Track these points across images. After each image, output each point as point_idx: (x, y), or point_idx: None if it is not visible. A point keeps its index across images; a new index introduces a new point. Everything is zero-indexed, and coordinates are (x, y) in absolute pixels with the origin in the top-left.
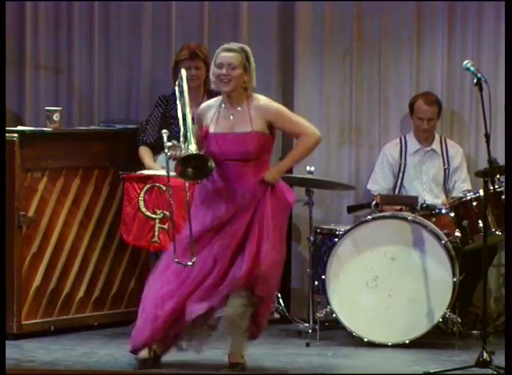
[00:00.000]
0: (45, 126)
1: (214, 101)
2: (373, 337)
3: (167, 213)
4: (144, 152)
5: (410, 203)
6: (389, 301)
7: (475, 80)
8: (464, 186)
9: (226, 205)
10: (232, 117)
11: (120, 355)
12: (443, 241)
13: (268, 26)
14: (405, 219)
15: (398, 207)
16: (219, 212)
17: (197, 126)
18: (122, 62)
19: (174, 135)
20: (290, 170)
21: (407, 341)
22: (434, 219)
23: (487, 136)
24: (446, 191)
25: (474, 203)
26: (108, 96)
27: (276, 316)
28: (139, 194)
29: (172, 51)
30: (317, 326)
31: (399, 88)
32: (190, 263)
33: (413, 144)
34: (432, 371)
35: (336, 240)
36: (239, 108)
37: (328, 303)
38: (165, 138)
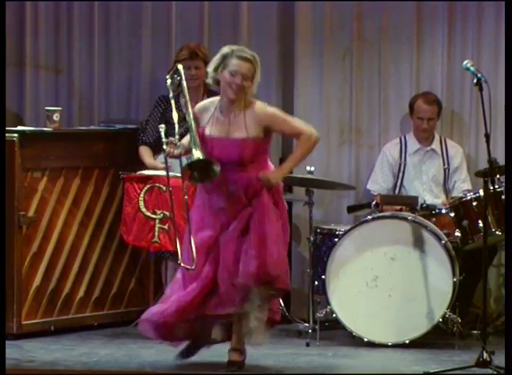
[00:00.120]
0: (45, 126)
1: (210, 102)
2: (373, 337)
3: (167, 213)
4: (144, 152)
5: (410, 203)
6: (389, 301)
7: (475, 80)
8: (463, 186)
9: (227, 205)
10: (228, 122)
11: (120, 355)
12: (443, 241)
13: (268, 26)
14: (405, 219)
15: (398, 207)
16: (222, 216)
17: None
18: (122, 62)
19: (173, 135)
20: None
21: (407, 341)
22: (434, 219)
23: (487, 136)
24: (446, 191)
25: (474, 203)
26: (108, 96)
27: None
28: (139, 195)
29: (172, 51)
30: (317, 326)
31: (399, 88)
32: (192, 267)
33: (413, 144)
34: (431, 371)
35: (336, 240)
36: (236, 114)
37: (328, 303)
38: (162, 134)
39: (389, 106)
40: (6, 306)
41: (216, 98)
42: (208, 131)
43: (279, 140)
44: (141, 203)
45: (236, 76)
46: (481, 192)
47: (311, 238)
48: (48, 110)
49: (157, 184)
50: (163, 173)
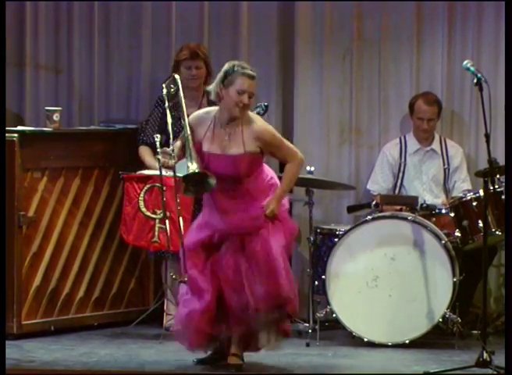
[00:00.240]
0: (45, 126)
1: (205, 113)
2: (373, 337)
3: (167, 213)
4: (144, 151)
5: (410, 203)
6: (389, 301)
7: (475, 80)
8: (463, 186)
9: (224, 219)
10: (226, 138)
11: (120, 355)
12: (443, 241)
13: (268, 26)
14: (405, 219)
15: (398, 207)
16: (218, 225)
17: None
18: (122, 62)
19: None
20: None
21: (407, 341)
22: (434, 219)
23: (487, 136)
24: (446, 191)
25: (474, 203)
26: (108, 96)
27: None
28: (139, 194)
29: (172, 51)
30: (317, 326)
31: (399, 88)
32: (185, 279)
33: (413, 144)
34: (431, 371)
35: (336, 240)
36: (234, 129)
37: (328, 303)
38: (157, 144)
39: (389, 106)
40: (6, 306)
41: (212, 110)
42: (205, 148)
43: None
44: (141, 203)
45: (243, 95)
46: (481, 192)
47: (311, 238)
48: (48, 110)
49: (157, 184)
50: (163, 172)
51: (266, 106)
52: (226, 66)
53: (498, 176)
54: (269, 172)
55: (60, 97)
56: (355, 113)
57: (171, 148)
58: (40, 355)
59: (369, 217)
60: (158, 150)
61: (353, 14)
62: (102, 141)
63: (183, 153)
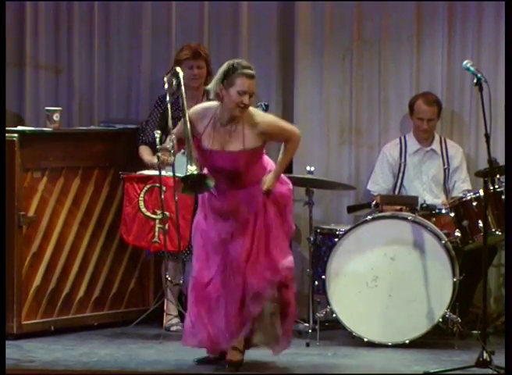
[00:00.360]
0: (45, 126)
1: (205, 109)
2: (373, 337)
3: (167, 213)
4: (144, 150)
5: (410, 203)
6: (389, 301)
7: (475, 80)
8: (463, 186)
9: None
10: (227, 134)
11: (120, 355)
12: (443, 241)
13: (268, 26)
14: (405, 219)
15: (398, 207)
16: (222, 224)
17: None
18: (122, 62)
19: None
20: (290, 170)
21: (407, 341)
22: (434, 219)
23: (487, 136)
24: (446, 191)
25: (474, 203)
26: (108, 96)
27: None
28: (139, 195)
29: (172, 51)
30: (317, 326)
31: (399, 88)
32: (181, 282)
33: (413, 144)
34: (431, 371)
35: (336, 240)
36: (235, 126)
37: (328, 303)
38: (157, 140)
39: (389, 106)
40: (6, 306)
41: (211, 105)
42: (205, 143)
43: None
44: (141, 203)
45: (244, 95)
46: (481, 192)
47: (311, 238)
48: (48, 110)
49: (157, 184)
50: (163, 172)
51: (266, 105)
52: (225, 66)
53: (498, 176)
54: (268, 164)
55: (60, 97)
56: (355, 113)
57: (170, 144)
58: (40, 355)
59: (369, 217)
60: (158, 147)
61: (353, 14)
62: (102, 141)
63: (179, 147)
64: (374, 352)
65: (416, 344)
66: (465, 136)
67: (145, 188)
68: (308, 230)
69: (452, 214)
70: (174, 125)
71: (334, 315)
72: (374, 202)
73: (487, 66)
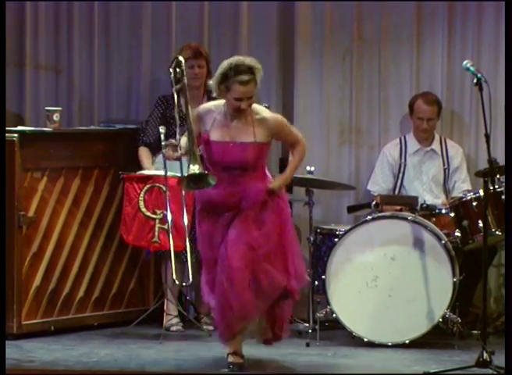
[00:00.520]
0: (45, 126)
1: (214, 106)
2: (373, 337)
3: (167, 213)
4: (143, 153)
5: (410, 203)
6: (389, 301)
7: (475, 80)
8: (463, 186)
9: (228, 210)
10: (235, 128)
11: (120, 355)
12: (443, 241)
13: (268, 26)
14: (405, 219)
15: (398, 207)
16: (223, 220)
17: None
18: (122, 62)
19: (173, 135)
20: None
21: (407, 341)
22: (434, 219)
23: (487, 136)
24: (446, 191)
25: (474, 203)
26: (108, 96)
27: None
28: (139, 194)
29: (172, 51)
30: (317, 326)
31: (399, 88)
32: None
33: (413, 144)
34: (431, 371)
35: (336, 240)
36: (244, 119)
37: (328, 303)
38: (162, 136)
39: (389, 106)
40: (6, 306)
41: (220, 103)
42: (213, 137)
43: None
44: (141, 203)
45: (241, 101)
46: (481, 192)
47: (311, 238)
48: (48, 110)
49: (157, 184)
50: (163, 172)
51: (267, 107)
52: (223, 68)
53: (498, 176)
54: (269, 176)
55: (60, 97)
56: (355, 113)
57: (177, 137)
58: (40, 355)
59: (369, 217)
60: (163, 142)
61: (353, 14)
62: (102, 141)
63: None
64: (374, 352)
65: (416, 344)
66: (465, 136)
67: (145, 188)
68: (308, 230)
69: (452, 214)
70: (181, 120)
71: (334, 315)
72: (374, 202)
73: (487, 66)
